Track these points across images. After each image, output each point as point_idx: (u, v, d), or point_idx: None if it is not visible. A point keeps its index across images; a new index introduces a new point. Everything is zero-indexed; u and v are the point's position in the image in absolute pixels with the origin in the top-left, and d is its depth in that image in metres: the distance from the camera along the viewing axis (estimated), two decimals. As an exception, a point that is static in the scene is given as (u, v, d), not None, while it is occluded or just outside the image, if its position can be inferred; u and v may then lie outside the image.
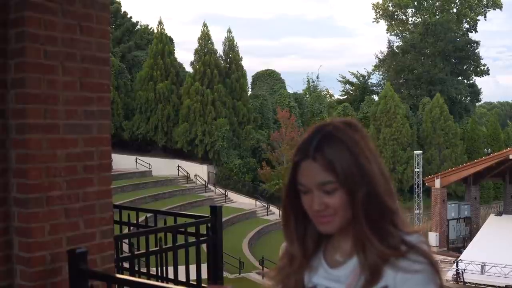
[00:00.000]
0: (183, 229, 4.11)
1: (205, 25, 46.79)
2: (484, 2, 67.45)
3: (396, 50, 66.38)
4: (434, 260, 1.34)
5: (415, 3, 66.83)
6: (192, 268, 4.06)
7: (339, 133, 1.39)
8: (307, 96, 58.85)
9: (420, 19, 66.93)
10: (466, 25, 68.14)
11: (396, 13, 68.59)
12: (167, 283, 4.17)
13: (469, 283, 24.86)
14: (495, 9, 68.39)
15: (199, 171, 43.31)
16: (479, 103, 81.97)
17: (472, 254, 26.47)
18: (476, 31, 68.56)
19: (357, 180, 1.35)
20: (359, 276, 1.36)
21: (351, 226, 1.39)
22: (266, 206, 38.79)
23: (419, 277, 1.31)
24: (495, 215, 36.66)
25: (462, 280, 24.98)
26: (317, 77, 77.46)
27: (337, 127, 1.41)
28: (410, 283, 1.31)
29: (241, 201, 40.41)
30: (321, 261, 1.47)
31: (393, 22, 68.79)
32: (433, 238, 34.40)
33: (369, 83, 67.54)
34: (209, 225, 4.24)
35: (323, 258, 1.47)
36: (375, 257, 1.33)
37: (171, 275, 4.15)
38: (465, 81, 66.88)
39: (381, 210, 1.36)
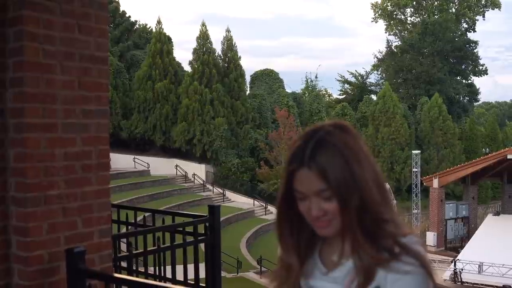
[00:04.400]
0: (181, 229, 4.12)
1: (203, 24, 46.77)
2: (482, 2, 67.57)
3: (395, 50, 66.46)
4: (426, 262, 1.34)
5: (414, 2, 66.92)
6: (190, 267, 4.06)
7: (331, 138, 1.38)
8: (306, 95, 58.85)
9: (418, 19, 67.05)
10: (465, 25, 68.28)
11: (395, 12, 68.69)
12: (165, 282, 4.18)
13: (467, 282, 24.87)
14: (493, 9, 68.58)
15: (197, 170, 43.30)
16: (478, 103, 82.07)
17: (470, 254, 26.50)
18: (474, 31, 68.73)
19: (350, 187, 1.34)
20: (355, 278, 1.37)
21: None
22: (264, 205, 38.81)
23: (409, 278, 1.32)
24: (493, 215, 36.73)
25: (459, 280, 25.00)
26: (316, 77, 77.55)
27: (329, 131, 1.39)
28: (399, 284, 1.32)
29: (239, 201, 40.42)
30: (317, 263, 1.47)
31: (391, 22, 68.91)
32: (431, 237, 34.46)
33: (367, 82, 67.67)
34: (207, 224, 4.24)
35: (319, 260, 1.47)
36: (369, 261, 1.34)
37: (169, 275, 4.16)
38: (464, 81, 66.98)
39: (374, 216, 1.36)
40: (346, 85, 67.05)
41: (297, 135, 1.48)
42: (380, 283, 1.33)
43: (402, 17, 69.06)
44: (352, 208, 1.35)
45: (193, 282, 4.25)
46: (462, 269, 24.95)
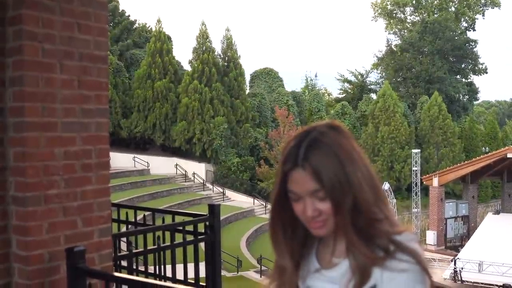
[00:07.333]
0: (181, 228, 4.11)
1: (203, 23, 46.77)
2: (482, 1, 67.50)
3: (395, 49, 66.43)
4: (422, 258, 1.34)
5: (414, 1, 66.87)
6: (190, 266, 4.06)
7: (325, 138, 1.38)
8: (306, 94, 58.84)
9: (418, 18, 66.99)
10: (465, 24, 68.19)
11: (395, 11, 68.62)
12: (165, 281, 4.18)
13: (467, 281, 24.89)
14: (493, 8, 68.50)
15: (197, 169, 43.30)
16: (477, 102, 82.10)
17: (469, 253, 26.54)
18: (474, 30, 68.68)
19: (343, 188, 1.34)
20: (352, 277, 1.36)
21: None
22: (264, 204, 38.81)
23: (405, 276, 1.31)
24: (492, 213, 36.73)
25: (460, 279, 25.01)
26: (316, 76, 77.50)
27: (322, 132, 1.39)
28: (396, 282, 1.31)
29: (239, 200, 40.42)
30: (313, 262, 1.47)
31: (391, 21, 68.83)
32: (431, 236, 34.50)
33: (367, 81, 67.60)
34: (207, 223, 4.24)
35: (316, 260, 1.47)
36: (363, 260, 1.34)
37: (169, 274, 4.16)
38: (463, 79, 66.96)
39: (367, 216, 1.36)
40: (346, 84, 67.04)
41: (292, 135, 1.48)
42: (376, 281, 1.33)
43: (402, 16, 69.00)
44: (345, 208, 1.34)
45: (193, 281, 4.25)
46: (462, 268, 24.96)
